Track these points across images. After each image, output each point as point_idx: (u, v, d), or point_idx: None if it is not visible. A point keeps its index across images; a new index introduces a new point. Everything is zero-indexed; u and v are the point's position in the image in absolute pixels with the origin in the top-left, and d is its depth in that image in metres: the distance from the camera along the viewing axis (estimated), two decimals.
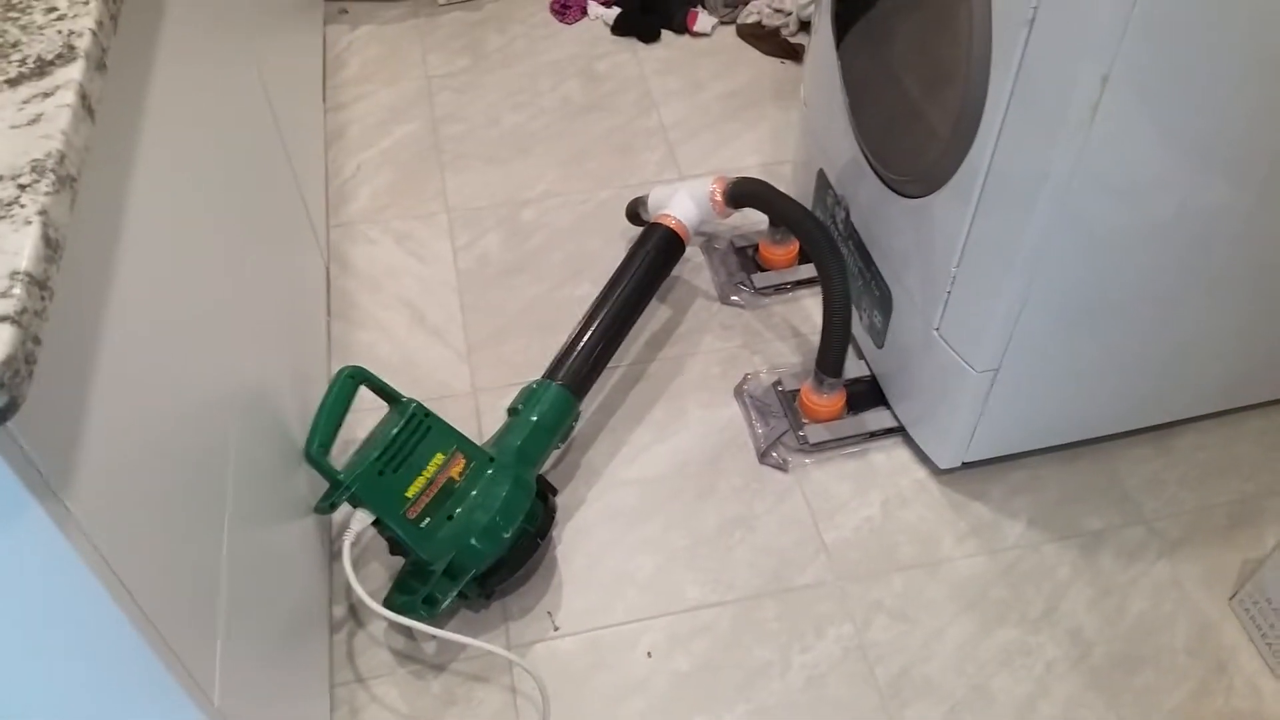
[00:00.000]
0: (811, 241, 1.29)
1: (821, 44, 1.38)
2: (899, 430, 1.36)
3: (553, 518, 1.21)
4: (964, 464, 1.31)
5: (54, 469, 0.55)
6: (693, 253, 1.60)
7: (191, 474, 0.78)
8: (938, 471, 1.33)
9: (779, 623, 1.20)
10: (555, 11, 2.03)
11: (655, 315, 1.52)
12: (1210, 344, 1.24)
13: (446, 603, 1.11)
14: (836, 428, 1.36)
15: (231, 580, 0.82)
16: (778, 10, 1.92)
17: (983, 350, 1.14)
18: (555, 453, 1.32)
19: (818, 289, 1.48)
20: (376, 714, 1.13)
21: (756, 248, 1.58)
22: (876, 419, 1.37)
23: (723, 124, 1.81)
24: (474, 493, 1.13)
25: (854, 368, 1.41)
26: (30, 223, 0.51)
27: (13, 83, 0.58)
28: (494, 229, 1.64)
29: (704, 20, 1.98)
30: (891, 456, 1.35)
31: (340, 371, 1.15)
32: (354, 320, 1.51)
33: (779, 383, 1.41)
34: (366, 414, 1.22)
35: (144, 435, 0.69)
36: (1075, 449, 1.35)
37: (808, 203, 1.52)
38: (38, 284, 0.50)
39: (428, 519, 1.11)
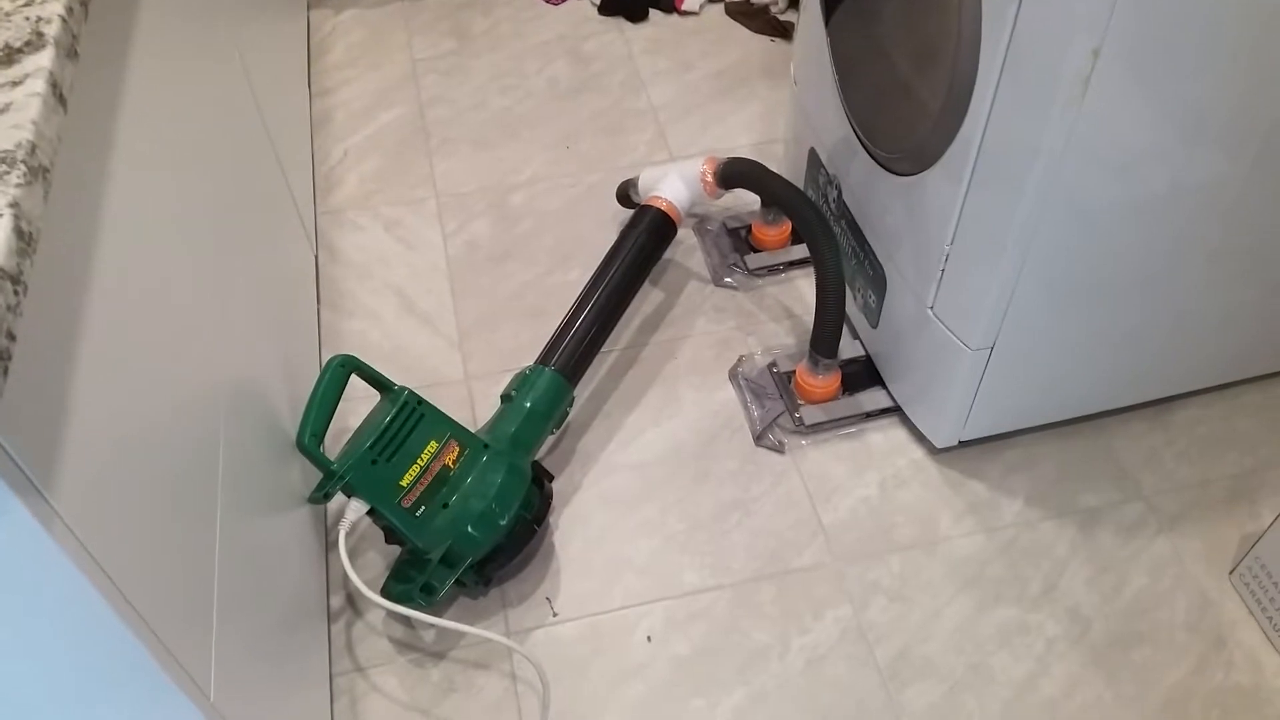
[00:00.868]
0: (803, 222, 1.28)
1: (810, 21, 1.36)
2: (895, 410, 1.36)
3: (549, 504, 1.21)
4: (960, 443, 1.30)
5: (38, 467, 0.55)
6: (685, 235, 1.58)
7: (181, 467, 0.77)
8: (934, 451, 1.32)
9: (777, 605, 1.20)
10: None
11: (648, 298, 1.51)
12: (1206, 318, 1.23)
13: (444, 591, 1.10)
14: (832, 408, 1.35)
15: (225, 574, 0.81)
16: None
17: (977, 328, 1.14)
18: (550, 438, 1.32)
19: (811, 269, 1.47)
20: (376, 703, 1.13)
21: (749, 229, 1.57)
22: (872, 399, 1.36)
23: (713, 103, 1.80)
24: (469, 480, 1.13)
25: (849, 348, 1.40)
26: (1, 215, 0.50)
27: None
28: (483, 214, 1.63)
29: None
30: (888, 436, 1.35)
31: (331, 360, 1.14)
32: (344, 308, 1.50)
33: (774, 364, 1.41)
34: (360, 402, 1.21)
35: (131, 430, 0.69)
36: (1072, 426, 1.34)
37: (799, 182, 1.51)
38: (10, 278, 0.49)
39: (423, 507, 1.11)
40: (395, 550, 1.20)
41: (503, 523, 1.11)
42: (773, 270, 1.54)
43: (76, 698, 0.64)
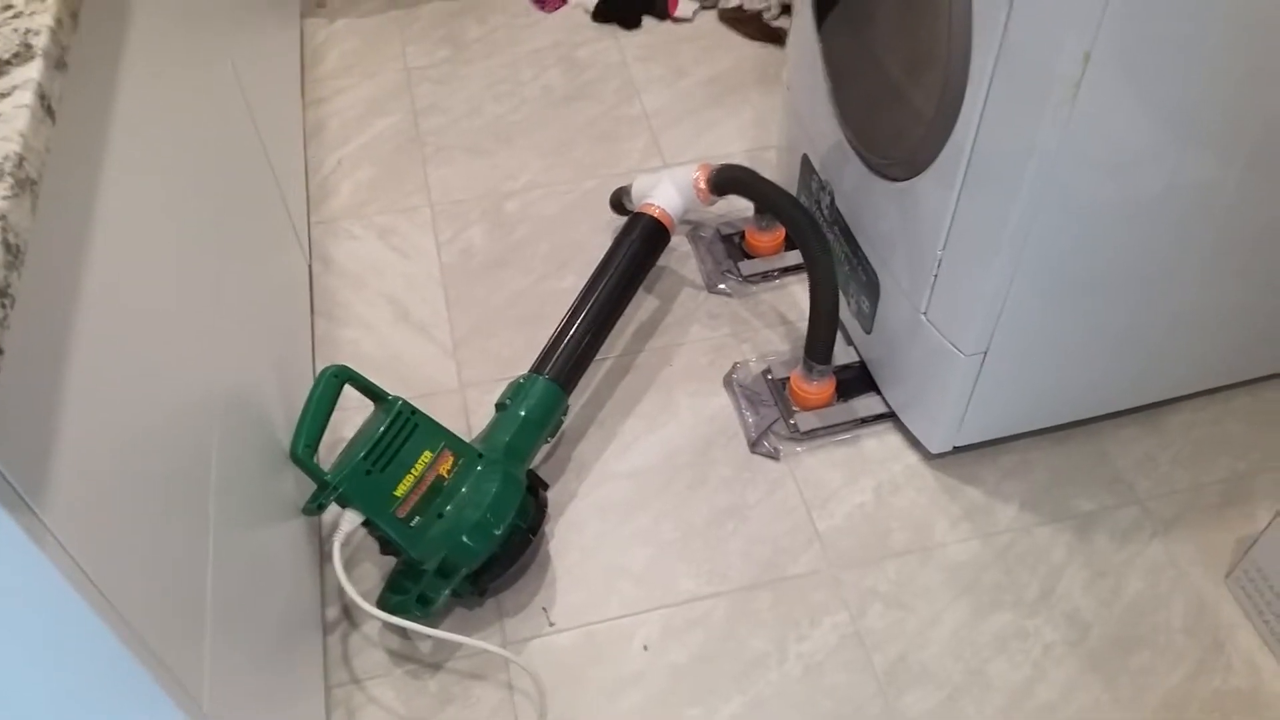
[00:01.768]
0: (796, 228, 1.28)
1: (803, 27, 1.36)
2: (890, 416, 1.36)
3: (544, 513, 1.21)
4: (955, 448, 1.30)
5: (26, 480, 0.54)
6: (678, 241, 1.58)
7: (173, 479, 0.77)
8: (929, 456, 1.32)
9: (774, 612, 1.19)
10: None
11: (642, 306, 1.51)
12: (1199, 321, 1.23)
13: (440, 601, 1.10)
14: (827, 415, 1.35)
15: (218, 587, 0.81)
16: None
17: (971, 333, 1.14)
18: (545, 447, 1.31)
19: (805, 275, 1.47)
20: (373, 715, 1.12)
21: (743, 235, 1.57)
22: (867, 405, 1.36)
23: (706, 110, 1.80)
24: (464, 490, 1.12)
25: (843, 354, 1.40)
26: None
27: None
28: (477, 222, 1.63)
29: (685, 5, 1.96)
30: (883, 442, 1.35)
31: (325, 370, 1.14)
32: (338, 318, 1.50)
33: (768, 371, 1.41)
34: (354, 412, 1.21)
35: (122, 442, 0.68)
36: (1066, 430, 1.34)
37: (792, 188, 1.51)
38: None
39: (418, 518, 1.10)
40: (391, 561, 1.19)
41: (498, 532, 1.11)
42: (767, 276, 1.54)
43: (69, 711, 0.64)
